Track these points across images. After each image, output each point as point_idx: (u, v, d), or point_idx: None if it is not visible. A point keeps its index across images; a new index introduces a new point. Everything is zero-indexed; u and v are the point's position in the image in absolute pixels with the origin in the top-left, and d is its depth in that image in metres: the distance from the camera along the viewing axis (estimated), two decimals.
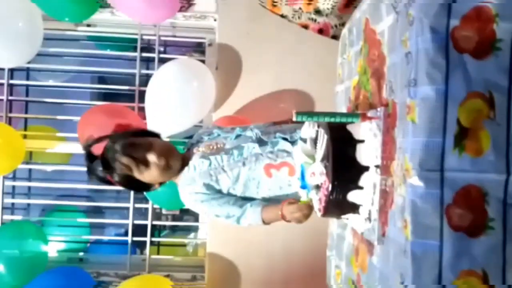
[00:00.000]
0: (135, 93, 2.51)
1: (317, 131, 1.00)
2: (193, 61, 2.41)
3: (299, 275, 2.42)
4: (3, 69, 2.47)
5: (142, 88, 2.44)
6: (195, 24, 2.60)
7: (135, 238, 2.50)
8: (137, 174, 1.31)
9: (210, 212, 1.36)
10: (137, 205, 2.54)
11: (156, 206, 2.59)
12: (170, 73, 2.29)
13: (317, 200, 0.97)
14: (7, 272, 2.15)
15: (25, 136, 2.49)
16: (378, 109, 0.89)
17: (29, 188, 2.86)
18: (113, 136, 1.33)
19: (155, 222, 2.58)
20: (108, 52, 2.82)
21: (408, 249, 0.71)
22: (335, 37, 1.88)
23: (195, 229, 2.91)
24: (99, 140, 1.34)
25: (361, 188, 0.89)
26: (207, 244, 2.44)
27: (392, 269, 0.80)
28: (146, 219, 2.53)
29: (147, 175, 1.31)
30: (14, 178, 2.67)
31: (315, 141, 1.02)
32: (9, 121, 2.49)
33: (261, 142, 1.34)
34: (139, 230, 2.54)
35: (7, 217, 2.53)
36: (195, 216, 3.20)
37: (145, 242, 2.53)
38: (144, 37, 2.60)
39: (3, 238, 2.20)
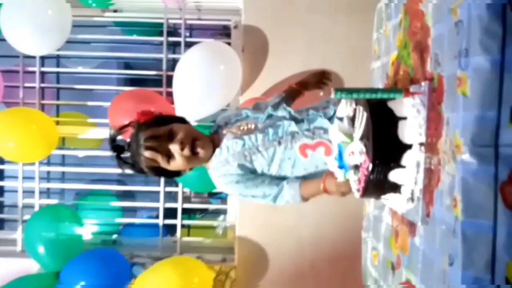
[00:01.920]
0: (163, 78, 2.52)
1: (355, 109, 0.97)
2: (219, 44, 2.38)
3: (329, 258, 2.41)
4: (34, 57, 2.51)
5: (169, 73, 2.44)
6: (220, 6, 2.57)
7: (166, 221, 2.54)
8: (162, 165, 1.28)
9: (246, 193, 1.32)
10: (167, 189, 2.57)
11: (185, 190, 2.62)
12: (197, 57, 2.28)
13: (356, 180, 0.94)
14: (45, 254, 2.23)
15: (57, 123, 2.55)
16: (422, 83, 0.85)
17: (63, 173, 2.94)
18: (135, 127, 1.28)
19: (185, 206, 2.61)
20: (135, 37, 2.83)
21: (458, 229, 0.68)
22: None
23: (224, 212, 2.93)
24: (121, 130, 1.32)
25: (403, 167, 0.86)
26: (237, 226, 2.46)
27: (438, 250, 0.77)
28: (175, 202, 2.56)
29: (174, 165, 1.28)
30: (48, 163, 2.74)
31: (352, 119, 0.98)
32: (42, 108, 2.55)
33: (296, 120, 1.31)
34: (169, 213, 2.57)
35: (43, 201, 2.62)
36: (223, 199, 3.23)
37: (175, 225, 2.57)
38: (170, 21, 2.59)
39: (41, 222, 2.28)
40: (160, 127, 1.27)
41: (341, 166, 0.97)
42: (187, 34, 2.64)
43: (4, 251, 2.54)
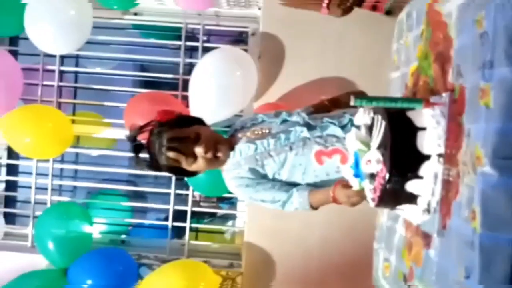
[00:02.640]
0: (179, 81, 2.54)
1: (373, 118, 0.97)
2: (237, 50, 2.40)
3: (336, 267, 2.38)
4: (54, 56, 2.56)
5: (186, 77, 2.47)
6: (238, 13, 2.59)
7: (176, 223, 2.55)
8: (185, 166, 1.30)
9: (256, 197, 1.34)
10: (178, 191, 2.58)
11: (194, 194, 2.62)
12: (214, 62, 2.30)
13: (371, 189, 0.94)
14: (55, 250, 2.25)
15: (73, 121, 2.58)
16: (444, 94, 0.84)
17: (76, 171, 2.97)
18: (157, 126, 1.31)
19: (195, 209, 2.62)
20: (153, 40, 2.87)
21: (476, 241, 0.67)
22: (389, 12, 1.80)
23: (233, 217, 2.93)
24: (142, 129, 1.33)
25: (420, 177, 0.85)
26: (245, 232, 2.45)
27: (454, 263, 0.76)
28: (184, 205, 2.57)
29: (195, 167, 1.31)
30: (62, 161, 2.78)
31: (370, 128, 0.98)
32: (59, 106, 2.59)
33: (309, 127, 1.32)
34: (177, 216, 2.58)
35: (55, 198, 2.64)
36: (233, 204, 3.23)
37: (182, 228, 2.57)
38: (188, 26, 2.62)
39: (52, 218, 2.30)
40: (184, 128, 1.29)
41: (357, 175, 0.97)
42: (205, 39, 2.66)
43: (15, 245, 2.57)
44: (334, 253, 2.38)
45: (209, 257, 2.54)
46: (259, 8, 2.47)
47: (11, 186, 2.74)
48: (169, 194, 2.58)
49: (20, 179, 2.77)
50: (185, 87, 2.39)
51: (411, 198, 0.90)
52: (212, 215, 3.14)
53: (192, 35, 2.85)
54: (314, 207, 1.30)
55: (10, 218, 2.71)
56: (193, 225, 2.65)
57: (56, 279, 2.26)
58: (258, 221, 2.41)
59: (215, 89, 2.24)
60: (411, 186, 0.88)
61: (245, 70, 2.29)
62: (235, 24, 2.64)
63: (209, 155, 1.29)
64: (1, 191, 2.71)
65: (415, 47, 1.06)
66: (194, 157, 1.29)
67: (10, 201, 2.77)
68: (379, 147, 0.91)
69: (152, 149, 1.28)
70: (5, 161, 2.64)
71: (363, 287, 2.27)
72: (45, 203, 2.54)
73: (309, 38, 2.40)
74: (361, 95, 0.84)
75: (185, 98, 2.42)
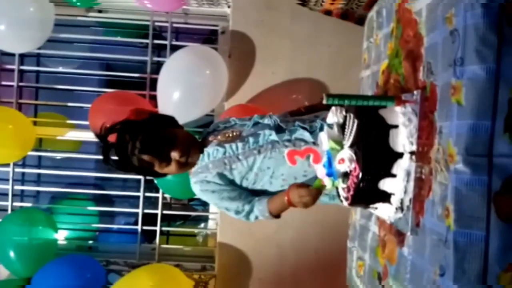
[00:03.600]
0: (147, 81, 2.47)
1: (345, 116, 0.96)
2: (206, 48, 2.36)
3: (311, 267, 2.39)
4: (13, 55, 2.43)
5: (153, 76, 2.40)
6: (208, 11, 2.55)
7: (146, 227, 2.48)
8: (157, 169, 1.28)
9: (220, 204, 1.33)
10: (147, 194, 2.51)
11: (165, 196, 2.56)
12: (183, 60, 2.25)
13: (344, 188, 0.93)
14: (16, 259, 2.13)
15: (35, 123, 2.46)
16: (415, 92, 0.84)
17: (39, 175, 2.84)
18: (130, 128, 1.27)
19: (165, 212, 2.55)
20: (119, 38, 2.78)
21: (450, 239, 0.67)
22: (361, 21, 1.81)
23: (204, 219, 2.88)
24: (113, 128, 1.29)
25: (393, 176, 0.85)
26: (218, 234, 2.41)
27: (428, 260, 0.76)
28: (154, 208, 2.50)
29: (167, 170, 1.29)
30: (23, 165, 2.64)
31: (342, 127, 0.97)
32: (19, 107, 2.46)
33: (278, 130, 1.30)
34: (147, 219, 2.51)
35: (17, 204, 2.51)
36: (204, 206, 3.18)
37: (153, 231, 2.51)
38: (156, 23, 2.55)
39: (13, 225, 2.18)
40: (158, 129, 1.25)
41: (330, 174, 0.96)
42: (173, 37, 2.60)
43: None
44: (308, 253, 2.39)
45: (181, 260, 2.49)
46: (229, 6, 2.44)
47: None
48: (137, 197, 2.50)
49: None
50: (153, 87, 2.33)
51: (384, 196, 0.89)
52: (184, 217, 3.08)
53: (159, 33, 2.78)
54: (274, 214, 1.29)
55: None
56: (164, 229, 2.58)
57: None
58: (231, 223, 2.38)
59: (184, 88, 2.19)
60: (384, 184, 0.87)
61: (215, 69, 2.26)
62: (204, 22, 2.59)
63: (183, 159, 1.27)
64: None
65: (385, 45, 1.06)
66: (168, 160, 1.26)
67: None
68: (351, 146, 0.90)
69: (124, 150, 1.24)
70: None
71: (337, 286, 2.30)
72: (6, 210, 2.41)
73: (280, 37, 2.39)
74: (332, 94, 0.83)
75: (153, 98, 2.36)
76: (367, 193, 0.87)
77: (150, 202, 2.79)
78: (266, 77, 2.39)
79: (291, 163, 1.20)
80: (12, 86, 2.44)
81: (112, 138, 1.30)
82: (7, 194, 2.41)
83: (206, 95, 2.26)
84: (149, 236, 2.69)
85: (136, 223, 2.60)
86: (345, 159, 0.88)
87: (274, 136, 1.28)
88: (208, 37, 2.82)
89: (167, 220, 2.76)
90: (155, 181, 2.33)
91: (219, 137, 1.35)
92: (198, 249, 2.64)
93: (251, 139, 1.29)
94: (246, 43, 2.41)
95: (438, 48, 0.76)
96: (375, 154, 0.85)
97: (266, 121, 1.35)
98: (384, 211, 0.93)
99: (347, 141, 0.91)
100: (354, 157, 0.87)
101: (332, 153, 0.94)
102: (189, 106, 2.23)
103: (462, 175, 0.66)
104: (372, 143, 0.85)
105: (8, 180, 2.40)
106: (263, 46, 2.40)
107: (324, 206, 1.36)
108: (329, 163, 0.96)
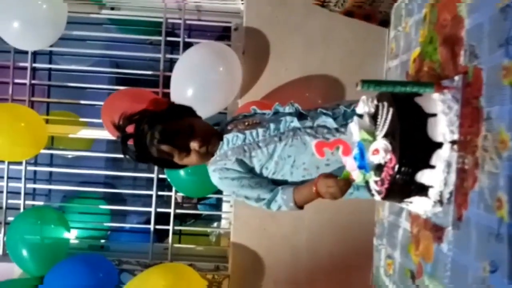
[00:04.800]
0: (159, 78, 2.44)
1: (377, 106, 0.91)
2: (220, 45, 2.32)
3: (325, 267, 2.34)
4: (26, 53, 2.42)
5: (166, 73, 2.37)
6: (221, 7, 2.52)
7: (158, 227, 2.44)
8: (176, 159, 1.24)
9: (240, 192, 1.27)
10: (160, 193, 2.47)
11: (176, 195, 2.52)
12: (196, 57, 2.22)
13: (377, 181, 0.88)
14: (29, 258, 2.11)
15: (47, 121, 2.44)
16: (456, 77, 0.79)
17: (51, 173, 2.82)
18: (149, 118, 1.24)
19: (178, 211, 2.52)
20: (132, 36, 2.75)
21: (504, 232, 0.62)
22: (384, 23, 1.75)
23: (216, 218, 2.84)
24: (132, 119, 1.26)
25: (432, 167, 0.80)
26: (231, 233, 2.37)
27: (474, 257, 0.71)
28: (165, 207, 2.46)
29: (186, 160, 1.25)
30: (35, 163, 2.62)
31: (374, 117, 0.92)
32: (32, 105, 2.44)
33: (300, 117, 1.26)
34: (157, 219, 2.47)
35: (29, 202, 2.49)
36: (213, 206, 3.13)
37: (164, 231, 2.47)
38: (169, 21, 2.52)
39: (25, 224, 2.16)
40: (177, 120, 1.22)
41: (362, 166, 0.91)
42: (186, 35, 2.57)
43: None
44: (324, 254, 2.34)
45: (194, 260, 2.44)
46: (242, 3, 2.40)
47: None
48: (149, 196, 2.47)
49: None
50: (166, 84, 2.29)
51: (421, 190, 0.84)
52: (195, 217, 3.04)
53: (172, 31, 2.76)
54: (298, 205, 1.24)
55: None
56: (177, 228, 2.54)
57: None
58: (244, 222, 2.34)
59: (197, 86, 2.16)
60: (421, 176, 0.82)
61: (228, 66, 2.22)
62: (217, 19, 2.56)
63: (203, 149, 1.24)
64: None
65: (416, 32, 1.01)
66: (188, 151, 1.23)
67: None
68: (386, 136, 0.85)
69: (143, 140, 1.21)
70: None
71: (353, 286, 2.24)
72: (18, 208, 2.39)
73: (294, 34, 2.35)
74: (368, 79, 0.78)
75: (166, 96, 2.33)
76: (403, 186, 0.82)
77: (162, 201, 2.76)
78: (280, 73, 2.35)
79: (319, 156, 1.15)
80: (24, 84, 2.42)
81: (130, 129, 1.27)
82: (19, 193, 2.39)
83: (220, 93, 2.22)
84: (160, 236, 2.66)
85: (147, 222, 2.57)
86: (380, 150, 0.84)
87: (296, 123, 1.24)
88: (221, 34, 2.79)
89: (178, 219, 2.72)
90: (169, 179, 2.29)
91: (238, 125, 1.31)
92: (211, 249, 2.60)
93: (272, 126, 1.25)
94: (259, 40, 2.37)
95: (484, 28, 0.71)
96: (412, 144, 0.80)
97: (288, 109, 1.31)
98: (420, 205, 0.88)
99: (381, 131, 0.87)
100: (390, 148, 0.83)
101: (364, 144, 0.89)
102: (202, 104, 2.18)
103: None
104: (409, 132, 0.80)
105: (20, 178, 2.39)
106: (277, 43, 2.36)
107: (339, 205, 1.30)
108: (361, 155, 0.91)
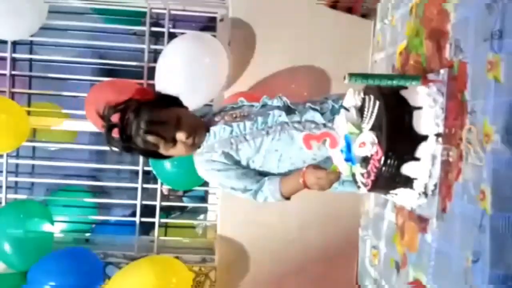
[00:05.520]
0: (144, 69, 2.41)
1: (364, 99, 0.92)
2: (206, 35, 2.30)
3: (313, 257, 2.36)
4: (5, 42, 2.35)
5: (151, 64, 2.34)
6: None
7: (144, 219, 2.42)
8: (162, 150, 1.23)
9: (226, 183, 1.27)
10: (145, 186, 2.45)
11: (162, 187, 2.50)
12: (182, 48, 2.19)
13: (364, 173, 0.89)
14: (12, 252, 2.07)
15: (29, 113, 2.39)
16: (441, 71, 0.80)
17: (33, 166, 2.76)
18: (135, 107, 1.21)
19: (164, 203, 2.50)
20: (115, 26, 2.70)
21: (486, 223, 0.63)
22: (365, 15, 1.77)
23: (203, 210, 2.84)
24: (117, 108, 1.23)
25: (417, 159, 0.81)
26: (218, 225, 2.37)
27: (457, 247, 0.72)
28: (151, 200, 2.44)
29: (172, 151, 1.24)
30: (17, 156, 2.57)
31: (361, 110, 0.93)
32: (12, 97, 2.38)
33: (288, 111, 1.25)
34: (143, 211, 2.45)
35: (11, 196, 2.44)
36: (197, 199, 3.12)
37: (150, 223, 2.46)
38: (153, 10, 2.48)
39: (8, 217, 2.12)
40: (163, 110, 1.20)
41: (348, 159, 0.92)
42: (170, 25, 2.53)
43: None
44: (310, 244, 2.35)
45: (180, 252, 2.44)
46: None
47: None
48: (133, 189, 2.45)
49: None
50: (150, 76, 2.26)
51: (407, 182, 0.86)
52: (181, 209, 3.02)
53: (156, 21, 2.71)
54: (285, 195, 1.24)
55: None
56: (163, 220, 2.53)
57: (15, 283, 2.09)
58: (231, 214, 2.34)
59: (183, 77, 2.13)
60: (407, 168, 0.83)
61: (215, 57, 2.20)
62: (202, 9, 2.53)
63: (190, 141, 1.22)
64: None
65: (403, 25, 1.02)
66: (174, 142, 1.21)
67: None
68: (372, 129, 0.86)
69: (128, 130, 1.19)
70: None
71: (341, 277, 2.27)
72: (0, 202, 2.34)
73: (281, 25, 2.33)
74: (355, 73, 0.78)
75: (150, 87, 2.30)
76: (389, 178, 0.83)
77: (147, 194, 2.74)
78: (266, 65, 2.34)
79: (307, 148, 1.15)
80: (4, 75, 2.36)
81: (115, 118, 1.24)
82: (0, 186, 2.34)
83: (206, 84, 2.20)
84: (146, 228, 2.64)
85: (132, 215, 2.55)
86: (366, 143, 0.84)
87: (283, 117, 1.23)
88: (206, 25, 2.76)
89: (164, 212, 2.71)
90: (154, 172, 2.27)
91: (226, 117, 1.30)
92: (198, 241, 2.60)
93: (259, 119, 1.25)
94: (245, 31, 2.35)
95: (469, 23, 0.72)
96: (398, 137, 0.81)
97: (276, 102, 1.30)
98: (405, 197, 0.89)
99: (367, 124, 0.87)
100: (376, 140, 0.83)
101: (351, 137, 0.90)
102: (188, 96, 2.16)
103: (501, 155, 0.62)
104: (395, 125, 0.81)
105: (1, 171, 2.34)
106: (263, 34, 2.35)
107: (326, 196, 1.31)
108: (348, 148, 0.91)
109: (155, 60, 2.27)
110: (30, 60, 2.67)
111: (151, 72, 2.24)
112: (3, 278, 2.17)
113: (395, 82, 0.80)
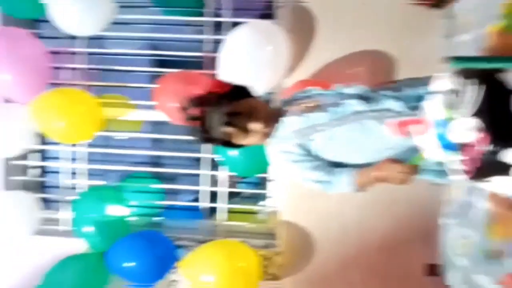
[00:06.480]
0: (205, 60, 2.46)
1: (463, 83, 0.90)
2: (266, 23, 2.31)
3: (374, 245, 2.35)
4: (74, 38, 2.48)
5: (212, 55, 2.39)
6: None
7: (211, 204, 2.52)
8: (236, 140, 1.28)
9: (300, 174, 1.31)
10: (212, 172, 2.54)
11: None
12: (243, 37, 2.22)
13: (464, 160, 0.88)
14: (94, 234, 2.23)
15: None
16: None
17: (103, 154, 2.92)
18: (215, 100, 1.27)
19: (230, 189, 2.58)
20: (176, 18, 2.76)
21: None
22: (437, 5, 1.70)
23: (262, 196, 2.89)
24: (199, 101, 1.30)
25: None
26: (281, 211, 2.42)
27: None
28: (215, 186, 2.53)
29: (248, 141, 1.30)
30: (90, 145, 2.73)
31: (456, 94, 0.92)
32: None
33: (363, 99, 1.25)
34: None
35: (86, 182, 2.61)
36: (257, 185, 3.18)
37: (213, 208, 2.54)
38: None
39: (89, 202, 2.28)
40: (240, 101, 1.25)
41: (446, 146, 0.91)
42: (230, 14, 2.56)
43: (48, 230, 2.55)
44: (372, 231, 2.35)
45: (244, 237, 2.52)
46: None
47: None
48: (197, 175, 2.54)
49: (56, 164, 2.73)
50: (211, 65, 2.31)
51: (506, 168, 0.84)
52: (238, 195, 3.10)
53: (214, 11, 2.74)
54: (360, 187, 1.26)
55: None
56: (228, 206, 2.61)
57: (95, 262, 2.26)
58: (293, 200, 2.38)
59: (246, 66, 2.17)
60: (508, 155, 0.82)
61: (276, 45, 2.22)
62: None
63: (266, 130, 1.26)
64: (37, 176, 2.68)
65: (495, 4, 0.98)
66: (248, 131, 1.26)
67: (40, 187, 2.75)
68: (475, 114, 0.85)
69: (209, 122, 1.25)
70: (39, 146, 2.60)
71: (406, 263, 2.25)
72: (74, 188, 2.52)
73: (342, 9, 2.30)
74: (460, 56, 0.77)
75: (212, 77, 2.35)
76: (492, 164, 0.83)
77: (212, 180, 2.82)
78: (327, 51, 2.33)
79: (401, 134, 1.15)
80: (74, 69, 2.50)
81: (195, 111, 1.31)
82: (73, 173, 2.51)
83: (268, 72, 2.23)
84: (209, 213, 2.73)
85: (195, 201, 2.65)
86: (471, 129, 0.84)
87: (358, 107, 1.24)
88: (265, 12, 2.76)
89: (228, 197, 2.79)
90: (222, 159, 2.35)
91: (298, 107, 1.33)
92: (260, 227, 2.66)
93: (333, 109, 1.26)
94: (306, 17, 2.34)
95: None
96: (504, 122, 0.80)
97: (350, 90, 1.31)
98: (503, 184, 0.88)
99: (469, 109, 0.86)
100: (481, 126, 0.82)
101: (449, 123, 0.89)
102: (251, 84, 2.21)
103: None
104: (501, 110, 0.80)
105: (75, 159, 2.51)
106: (325, 20, 2.33)
107: (385, 185, 1.29)
108: (444, 135, 0.91)
109: (215, 50, 2.31)
110: (101, 54, 2.80)
111: (210, 63, 2.29)
112: (84, 257, 2.34)
113: (505, 65, 0.78)
